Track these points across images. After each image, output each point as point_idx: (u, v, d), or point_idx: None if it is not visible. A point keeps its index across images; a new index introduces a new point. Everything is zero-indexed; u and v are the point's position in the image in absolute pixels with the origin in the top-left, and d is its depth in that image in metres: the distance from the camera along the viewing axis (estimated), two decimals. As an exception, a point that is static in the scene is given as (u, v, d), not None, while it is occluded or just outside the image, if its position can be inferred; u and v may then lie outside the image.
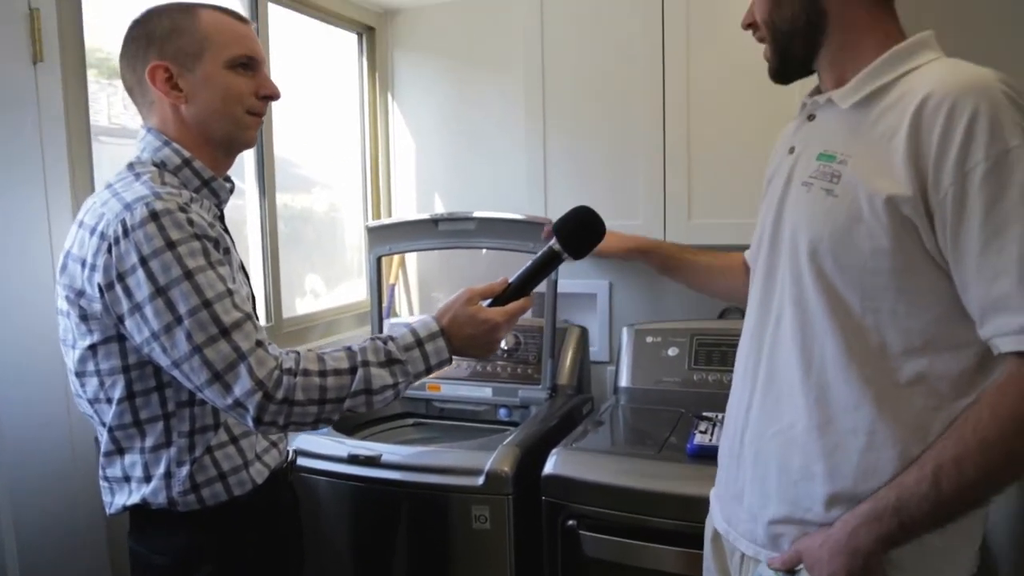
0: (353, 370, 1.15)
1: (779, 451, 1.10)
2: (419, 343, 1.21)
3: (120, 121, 1.98)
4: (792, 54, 1.12)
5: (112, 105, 1.96)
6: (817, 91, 1.16)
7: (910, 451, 0.99)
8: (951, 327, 0.98)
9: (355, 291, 2.96)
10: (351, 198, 2.97)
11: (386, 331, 2.59)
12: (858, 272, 1.01)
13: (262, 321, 2.31)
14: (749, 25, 1.16)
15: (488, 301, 1.29)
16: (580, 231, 1.33)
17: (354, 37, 2.90)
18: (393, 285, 2.92)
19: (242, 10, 2.27)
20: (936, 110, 0.93)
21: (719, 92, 2.13)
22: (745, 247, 1.51)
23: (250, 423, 1.09)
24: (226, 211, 1.34)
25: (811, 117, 1.14)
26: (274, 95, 1.29)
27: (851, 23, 1.07)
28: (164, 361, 1.08)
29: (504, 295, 1.30)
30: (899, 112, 0.97)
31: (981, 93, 0.91)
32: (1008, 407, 0.90)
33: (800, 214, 1.09)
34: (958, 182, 0.91)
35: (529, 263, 1.32)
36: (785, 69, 1.15)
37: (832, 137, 1.08)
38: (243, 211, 2.35)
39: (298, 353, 1.14)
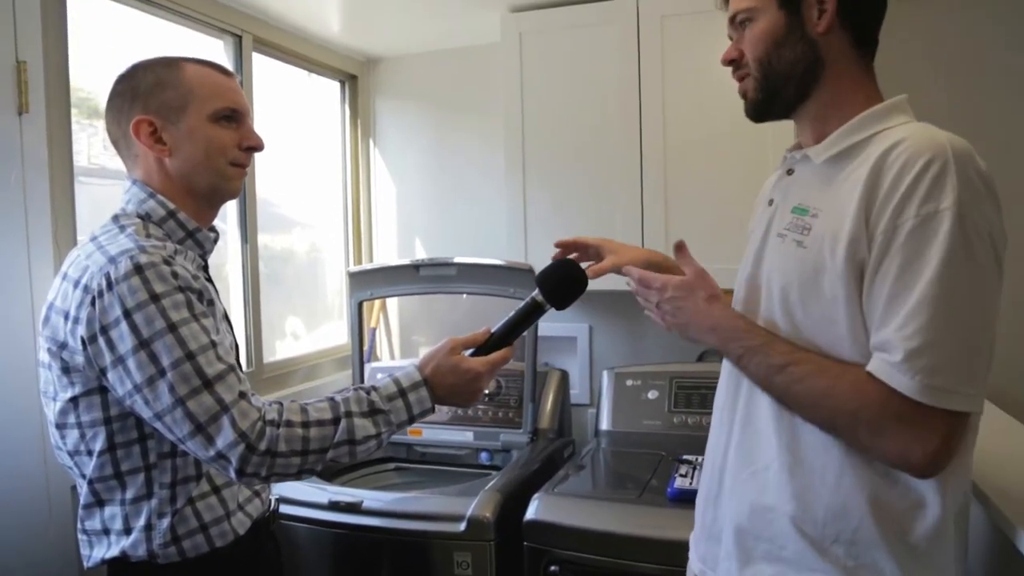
0: (336, 421, 1.15)
1: (753, 492, 1.12)
2: (402, 393, 1.22)
3: (100, 161, 1.99)
4: (782, 96, 1.14)
5: (92, 145, 1.98)
6: (797, 146, 1.19)
7: (878, 494, 1.02)
8: None
9: (336, 334, 2.97)
10: (332, 240, 2.99)
11: (367, 375, 2.60)
12: (823, 321, 1.04)
13: (243, 366, 2.31)
14: (731, 61, 1.17)
15: (471, 351, 1.30)
16: (563, 283, 1.35)
17: (337, 84, 2.95)
18: (374, 329, 2.93)
19: (227, 61, 2.31)
20: (895, 159, 0.98)
21: (694, 139, 2.19)
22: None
23: (232, 475, 1.09)
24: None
25: (790, 171, 1.18)
26: (258, 146, 1.31)
27: (841, 79, 1.11)
28: (146, 413, 1.09)
29: (487, 345, 1.31)
30: (865, 166, 1.02)
31: (937, 151, 0.96)
32: (862, 397, 0.97)
33: (774, 264, 1.13)
34: (888, 232, 0.97)
35: (512, 313, 1.34)
36: (768, 109, 1.16)
37: (807, 191, 1.11)
38: (224, 253, 2.36)
39: (281, 404, 1.15)
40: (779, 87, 1.13)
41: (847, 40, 1.10)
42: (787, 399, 1.05)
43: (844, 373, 1.00)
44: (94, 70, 1.89)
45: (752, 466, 1.13)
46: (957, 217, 0.93)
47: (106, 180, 2.00)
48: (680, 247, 1.22)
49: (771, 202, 1.19)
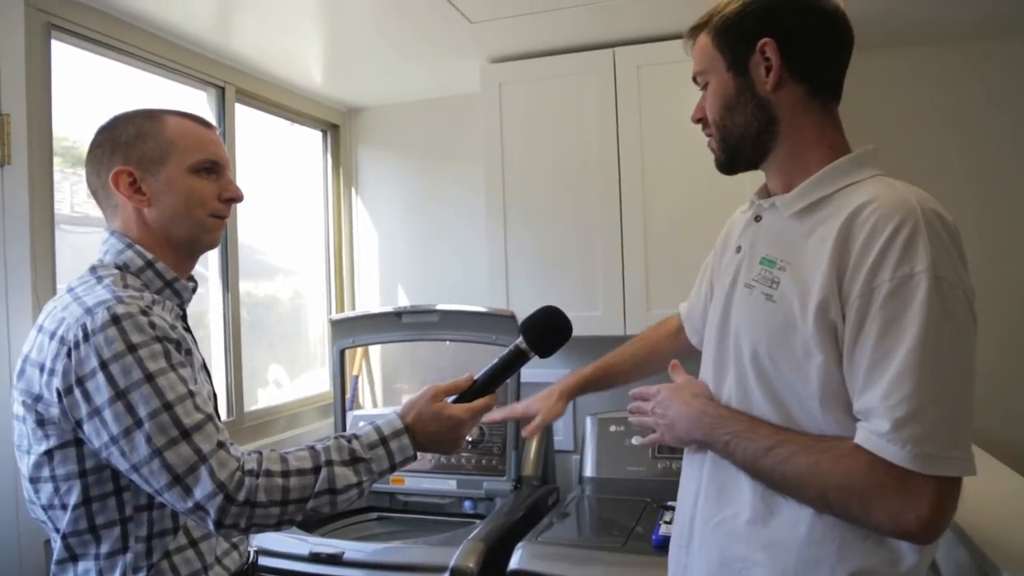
0: (316, 470, 1.14)
1: (723, 541, 1.11)
2: (383, 441, 1.21)
3: (83, 210, 2.00)
4: (741, 155, 1.16)
5: (75, 194, 1.98)
6: (765, 191, 1.20)
7: (850, 547, 1.01)
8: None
9: (318, 382, 2.95)
10: (315, 288, 2.99)
11: (349, 424, 2.58)
12: (793, 376, 1.04)
13: (224, 415, 2.29)
14: (699, 120, 1.20)
15: (453, 397, 1.30)
16: (548, 331, 1.35)
17: (319, 134, 2.98)
18: (356, 376, 2.91)
19: (210, 112, 2.34)
20: (864, 221, 0.98)
21: (673, 185, 2.22)
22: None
23: (211, 526, 1.07)
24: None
25: (758, 218, 1.18)
26: (237, 198, 1.32)
27: (799, 132, 1.11)
28: (123, 465, 1.07)
29: (469, 392, 1.31)
30: (832, 223, 1.02)
31: (907, 213, 0.96)
32: (847, 470, 0.97)
33: (742, 316, 1.13)
34: (864, 295, 0.96)
35: (495, 360, 1.33)
36: (733, 166, 1.18)
37: (774, 242, 1.11)
38: (205, 300, 2.35)
39: (260, 453, 1.13)
40: (738, 148, 1.15)
41: (801, 93, 1.10)
42: (776, 481, 1.04)
43: (830, 448, 0.99)
44: (79, 119, 1.90)
45: (721, 514, 1.12)
46: (933, 279, 0.93)
47: (89, 228, 2.00)
48: (674, 366, 1.31)
49: (739, 249, 1.19)
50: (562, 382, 1.57)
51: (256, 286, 2.69)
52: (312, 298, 2.99)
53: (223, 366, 2.37)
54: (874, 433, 0.95)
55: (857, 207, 1.00)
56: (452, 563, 1.79)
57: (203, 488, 1.05)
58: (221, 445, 1.09)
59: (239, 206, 2.38)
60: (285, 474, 1.12)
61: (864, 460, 0.95)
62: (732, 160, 1.17)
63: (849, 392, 0.99)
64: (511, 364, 1.33)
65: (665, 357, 1.47)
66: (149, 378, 1.06)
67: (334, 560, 1.88)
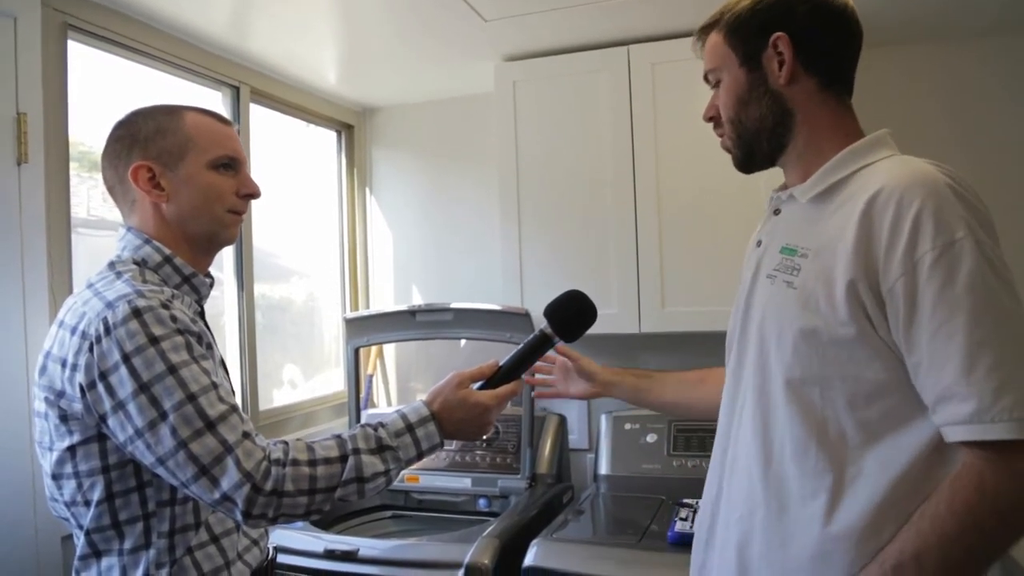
0: (344, 458, 1.14)
1: (741, 537, 1.10)
2: (410, 428, 1.21)
3: (98, 213, 2.01)
4: (757, 150, 1.16)
5: (91, 198, 1.99)
6: (783, 187, 1.20)
7: (864, 542, 0.98)
8: (907, 416, 0.99)
9: (333, 382, 2.95)
10: (329, 289, 3.00)
11: (363, 422, 2.58)
12: (817, 363, 1.02)
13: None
14: (711, 118, 1.21)
15: (478, 384, 1.30)
16: (572, 314, 1.35)
17: (333, 134, 2.99)
18: (371, 375, 2.92)
19: (225, 111, 2.35)
20: (886, 203, 0.97)
21: (688, 183, 2.21)
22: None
23: (239, 517, 1.07)
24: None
25: (777, 211, 1.18)
26: (255, 194, 1.32)
27: (815, 123, 1.12)
28: (148, 459, 1.07)
29: (494, 378, 1.31)
30: (852, 206, 1.01)
31: (928, 188, 0.96)
32: (963, 501, 0.91)
33: (765, 306, 1.12)
34: (908, 271, 0.94)
35: (520, 346, 1.33)
36: (750, 163, 1.19)
37: (794, 231, 1.11)
38: (220, 302, 2.36)
39: (286, 443, 1.13)
40: (753, 143, 1.15)
41: (814, 85, 1.11)
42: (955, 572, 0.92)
43: (930, 505, 0.93)
44: (94, 123, 1.92)
45: (739, 511, 1.12)
46: (975, 243, 0.93)
47: (104, 232, 2.01)
48: None
49: (759, 243, 1.19)
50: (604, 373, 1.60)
51: (270, 289, 2.70)
52: (326, 299, 3.00)
53: (238, 367, 2.38)
54: (965, 422, 0.90)
55: (876, 190, 0.99)
56: (467, 560, 1.79)
57: (230, 479, 1.05)
58: (246, 435, 1.09)
59: (255, 206, 2.40)
60: (312, 463, 1.11)
61: (977, 464, 0.90)
62: (749, 156, 1.18)
63: (912, 374, 0.96)
64: (536, 349, 1.33)
65: (714, 387, 1.38)
66: (172, 370, 1.06)
67: (349, 557, 1.88)
